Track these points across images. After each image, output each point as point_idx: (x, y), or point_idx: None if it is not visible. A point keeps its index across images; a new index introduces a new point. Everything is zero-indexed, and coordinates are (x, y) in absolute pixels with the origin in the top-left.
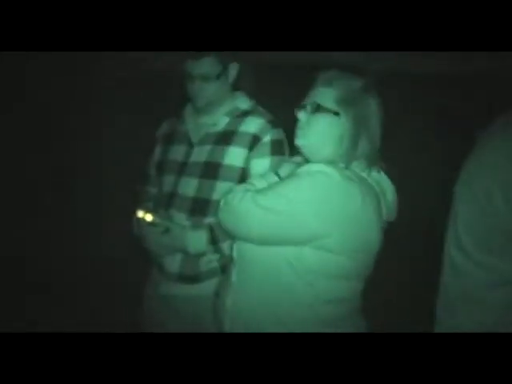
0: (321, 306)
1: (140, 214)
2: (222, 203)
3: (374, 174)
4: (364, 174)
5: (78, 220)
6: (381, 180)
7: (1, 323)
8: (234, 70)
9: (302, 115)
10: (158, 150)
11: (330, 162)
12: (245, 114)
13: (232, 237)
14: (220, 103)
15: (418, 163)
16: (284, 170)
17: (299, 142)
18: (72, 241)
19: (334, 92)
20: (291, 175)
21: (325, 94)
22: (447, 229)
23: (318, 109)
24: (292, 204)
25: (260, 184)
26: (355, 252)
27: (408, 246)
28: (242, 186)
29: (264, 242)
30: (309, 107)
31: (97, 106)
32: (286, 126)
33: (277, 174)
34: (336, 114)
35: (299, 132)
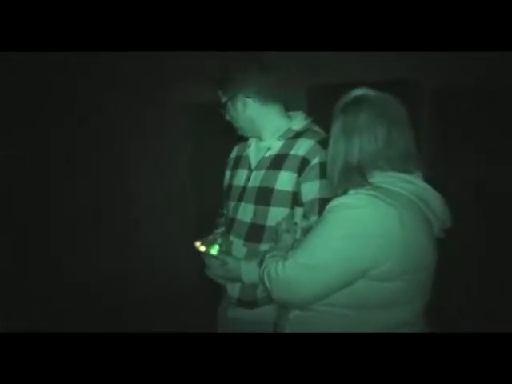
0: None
1: (196, 244)
2: (267, 283)
3: (413, 186)
4: (400, 189)
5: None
6: (420, 190)
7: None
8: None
9: None
10: (227, 175)
11: (356, 188)
12: (297, 135)
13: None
14: (262, 127)
15: None
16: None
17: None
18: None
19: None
20: (320, 219)
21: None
22: None
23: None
24: (330, 250)
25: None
26: (408, 274)
27: None
28: (272, 256)
29: (323, 297)
30: None
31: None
32: None
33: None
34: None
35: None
